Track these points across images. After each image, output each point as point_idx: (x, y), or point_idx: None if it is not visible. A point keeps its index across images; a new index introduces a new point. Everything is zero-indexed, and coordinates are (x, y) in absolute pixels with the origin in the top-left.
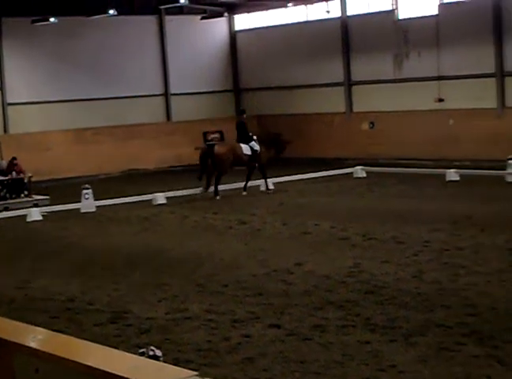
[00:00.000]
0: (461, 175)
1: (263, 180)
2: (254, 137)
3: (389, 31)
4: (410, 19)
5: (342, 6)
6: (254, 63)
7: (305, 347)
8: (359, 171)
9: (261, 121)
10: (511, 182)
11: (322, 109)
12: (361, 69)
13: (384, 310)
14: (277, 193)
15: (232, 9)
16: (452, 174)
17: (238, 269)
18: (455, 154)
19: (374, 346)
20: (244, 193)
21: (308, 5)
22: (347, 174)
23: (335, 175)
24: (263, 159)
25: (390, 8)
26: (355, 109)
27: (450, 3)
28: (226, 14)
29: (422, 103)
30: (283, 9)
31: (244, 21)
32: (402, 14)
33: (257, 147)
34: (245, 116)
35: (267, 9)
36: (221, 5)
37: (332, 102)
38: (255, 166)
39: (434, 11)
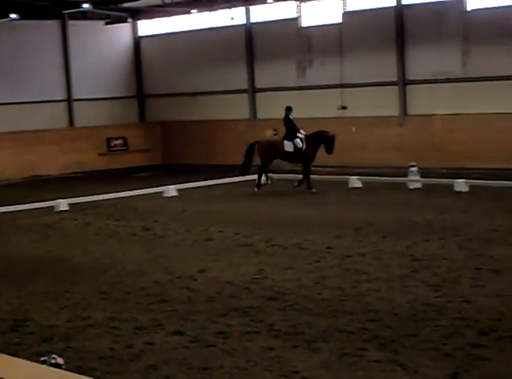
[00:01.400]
0: (363, 182)
1: (302, 178)
2: (300, 135)
3: (292, 39)
4: (314, 27)
5: (246, 13)
6: (159, 69)
7: (209, 354)
8: (263, 178)
9: (166, 128)
10: (413, 189)
11: (227, 116)
12: (265, 76)
13: (287, 316)
14: (181, 199)
15: (136, 15)
16: (355, 181)
17: (141, 276)
18: (358, 161)
19: (277, 352)
20: (313, 191)
21: (212, 12)
22: (250, 181)
23: (239, 182)
24: (308, 158)
25: (294, 16)
26: (259, 116)
27: (354, 12)
28: (130, 20)
29: (325, 110)
30: (187, 16)
31: (148, 27)
32: (306, 22)
33: (300, 145)
34: (291, 112)
35: (171, 15)
36: (125, 10)
37: (236, 109)
38: (306, 162)
39: (338, 19)
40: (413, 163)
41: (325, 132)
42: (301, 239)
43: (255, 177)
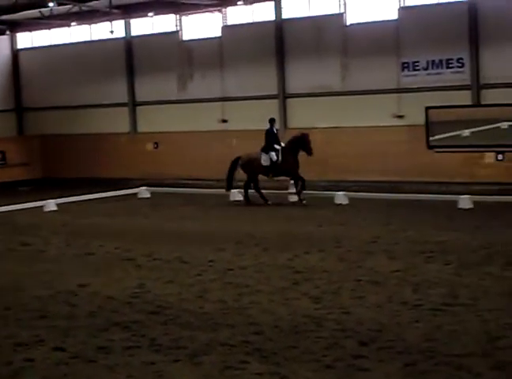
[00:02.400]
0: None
1: (300, 188)
2: (277, 147)
3: (173, 52)
4: (194, 40)
5: (126, 27)
6: (38, 82)
7: (90, 370)
8: (144, 192)
9: (46, 141)
10: (294, 202)
11: (107, 129)
12: (145, 89)
13: (169, 330)
14: (61, 213)
15: (15, 27)
16: (235, 195)
17: (21, 292)
18: (239, 174)
19: (159, 366)
20: (304, 202)
21: (92, 25)
22: (132, 194)
23: (120, 196)
24: (290, 169)
25: (174, 29)
26: (140, 129)
27: (233, 25)
28: (8, 32)
29: (206, 123)
30: (67, 28)
31: (27, 39)
32: (186, 35)
33: (274, 158)
34: (274, 124)
35: (50, 27)
36: (3, 22)
37: (117, 122)
38: (289, 175)
39: (218, 33)
40: None
41: (297, 135)
42: (182, 253)
43: (133, 191)
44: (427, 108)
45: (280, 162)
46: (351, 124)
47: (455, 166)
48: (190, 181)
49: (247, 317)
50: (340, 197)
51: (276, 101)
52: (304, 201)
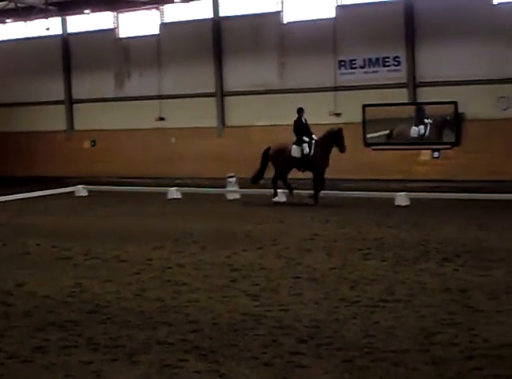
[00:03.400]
0: (182, 193)
1: (314, 188)
2: (306, 139)
3: (110, 50)
4: (131, 38)
5: (63, 24)
6: None
7: (26, 370)
8: (81, 190)
9: None
10: (232, 200)
11: (44, 127)
12: (83, 87)
13: (107, 329)
14: None
15: None
16: (173, 193)
17: None
18: (177, 172)
19: (97, 365)
20: (307, 201)
21: (28, 22)
22: (68, 193)
23: (56, 194)
24: (318, 165)
25: (111, 26)
26: (77, 127)
27: (171, 23)
28: None
29: (143, 121)
30: (2, 25)
31: None
32: (123, 33)
33: (306, 150)
34: (302, 114)
35: None
36: None
37: (53, 120)
38: (316, 170)
39: (156, 31)
40: (231, 174)
41: (333, 129)
42: (120, 251)
43: (70, 189)
44: (364, 106)
45: (311, 155)
46: (289, 122)
47: (392, 163)
48: (128, 180)
49: (186, 315)
50: (279, 195)
51: (213, 99)
52: (308, 201)
